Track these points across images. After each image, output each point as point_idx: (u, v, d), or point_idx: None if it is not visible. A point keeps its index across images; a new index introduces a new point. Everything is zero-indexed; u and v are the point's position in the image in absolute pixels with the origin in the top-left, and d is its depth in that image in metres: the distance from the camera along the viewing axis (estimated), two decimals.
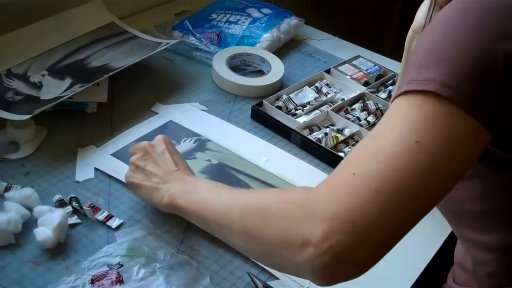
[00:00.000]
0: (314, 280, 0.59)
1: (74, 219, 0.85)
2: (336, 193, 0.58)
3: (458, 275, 0.83)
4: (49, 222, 0.80)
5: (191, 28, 1.33)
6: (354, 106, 1.18)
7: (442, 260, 0.90)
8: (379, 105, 1.17)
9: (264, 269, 0.83)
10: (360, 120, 1.13)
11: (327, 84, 1.23)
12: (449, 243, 0.89)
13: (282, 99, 1.16)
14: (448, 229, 0.88)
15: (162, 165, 0.84)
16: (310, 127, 1.10)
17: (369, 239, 0.56)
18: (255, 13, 1.40)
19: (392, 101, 0.62)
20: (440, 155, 0.57)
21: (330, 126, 1.12)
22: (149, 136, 1.04)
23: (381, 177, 0.57)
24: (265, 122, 1.12)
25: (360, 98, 1.20)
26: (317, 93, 1.20)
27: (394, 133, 0.59)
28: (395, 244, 0.58)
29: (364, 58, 1.34)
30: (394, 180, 0.56)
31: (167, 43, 1.21)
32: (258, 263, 0.83)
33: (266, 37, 1.33)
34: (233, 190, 0.75)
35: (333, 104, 1.17)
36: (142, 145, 0.87)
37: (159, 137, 0.88)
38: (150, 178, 0.83)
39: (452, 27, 0.61)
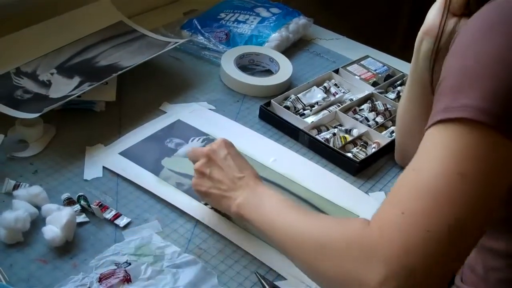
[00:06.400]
0: None
1: (82, 218, 0.86)
2: (388, 235, 0.57)
3: (467, 277, 0.83)
4: (57, 221, 0.81)
5: (199, 27, 1.33)
6: (362, 107, 1.17)
7: None
8: (388, 106, 1.16)
9: (271, 269, 0.83)
10: (368, 121, 1.13)
11: (336, 84, 1.23)
12: None
13: (290, 99, 1.16)
14: None
15: (227, 171, 0.84)
16: (318, 127, 1.10)
17: (424, 280, 0.56)
18: (264, 13, 1.39)
19: (427, 129, 0.61)
20: (484, 184, 0.57)
21: (338, 127, 1.11)
22: (157, 135, 1.05)
23: (430, 215, 0.56)
24: (273, 122, 1.12)
25: (368, 98, 1.19)
26: (325, 93, 1.20)
27: (435, 166, 0.58)
28: (450, 277, 0.59)
29: (372, 58, 1.33)
30: (443, 216, 0.56)
31: (176, 42, 1.21)
32: (266, 263, 0.83)
33: (275, 36, 1.33)
34: (296, 211, 0.75)
35: (342, 104, 1.17)
36: (204, 151, 0.86)
37: (220, 141, 0.87)
38: (217, 185, 0.84)
39: (481, 48, 0.59)
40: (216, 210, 0.89)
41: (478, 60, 0.59)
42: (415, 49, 0.84)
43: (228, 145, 0.87)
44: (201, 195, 0.87)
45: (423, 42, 0.81)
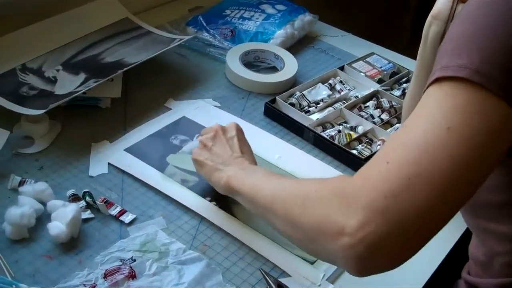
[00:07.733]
0: (348, 269, 0.59)
1: (87, 214, 0.86)
2: (370, 182, 0.58)
3: (472, 268, 0.83)
4: (62, 217, 0.81)
5: (205, 24, 1.33)
6: (367, 104, 1.17)
7: (457, 257, 0.89)
8: (393, 103, 1.16)
9: (276, 266, 0.83)
10: (373, 118, 1.12)
11: (341, 81, 1.23)
12: (465, 240, 0.88)
13: (296, 96, 1.16)
14: (463, 226, 0.87)
15: (228, 149, 0.87)
16: (323, 124, 1.10)
17: (402, 229, 0.56)
18: (269, 9, 1.39)
19: (425, 90, 0.61)
20: (472, 142, 0.57)
21: (343, 124, 1.11)
22: (162, 132, 1.05)
23: (412, 164, 0.57)
24: (278, 119, 1.12)
25: (373, 95, 1.19)
26: (330, 90, 1.20)
27: (425, 121, 0.59)
28: (431, 235, 0.58)
29: (378, 55, 1.33)
30: (426, 167, 0.56)
31: (181, 39, 1.21)
32: (270, 260, 0.83)
33: (280, 33, 1.33)
34: (283, 177, 0.78)
35: (347, 102, 1.16)
36: (214, 127, 0.91)
37: (232, 124, 0.92)
38: (214, 158, 0.87)
39: (483, 14, 0.61)
40: (220, 207, 0.89)
41: (477, 23, 0.60)
42: (423, 33, 0.84)
43: (239, 129, 0.91)
44: (196, 165, 0.90)
45: (431, 26, 0.81)
